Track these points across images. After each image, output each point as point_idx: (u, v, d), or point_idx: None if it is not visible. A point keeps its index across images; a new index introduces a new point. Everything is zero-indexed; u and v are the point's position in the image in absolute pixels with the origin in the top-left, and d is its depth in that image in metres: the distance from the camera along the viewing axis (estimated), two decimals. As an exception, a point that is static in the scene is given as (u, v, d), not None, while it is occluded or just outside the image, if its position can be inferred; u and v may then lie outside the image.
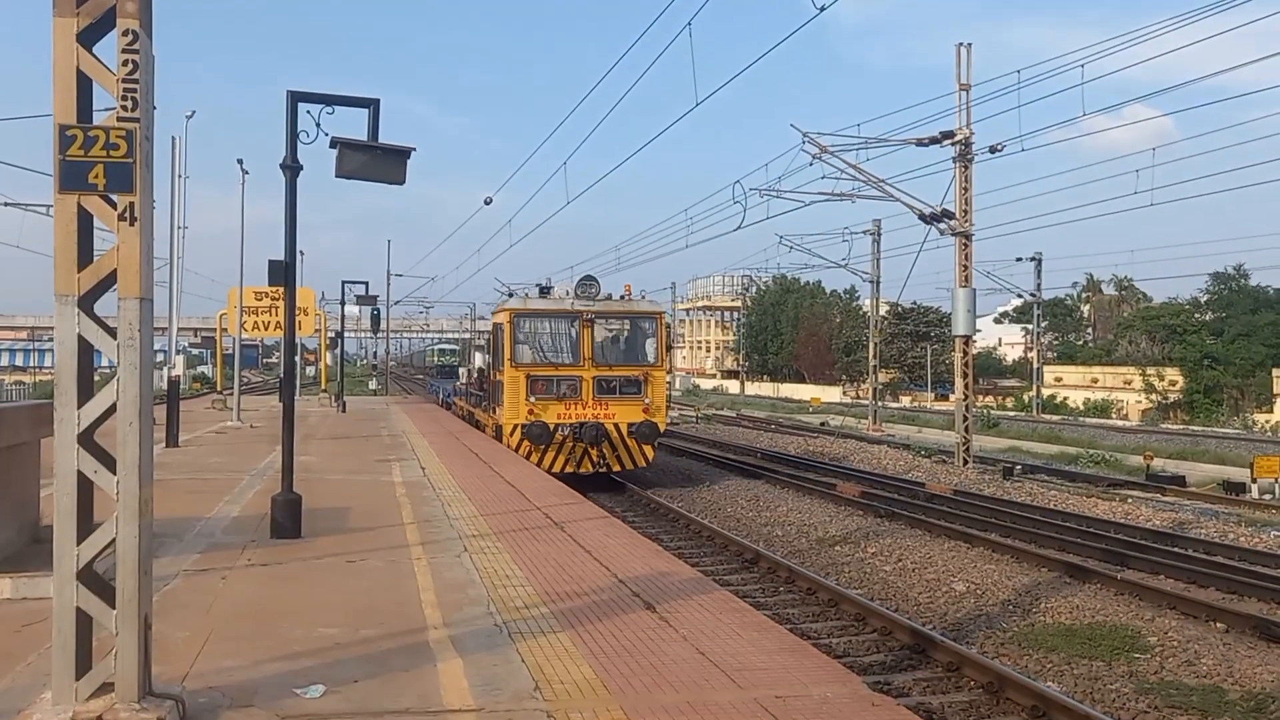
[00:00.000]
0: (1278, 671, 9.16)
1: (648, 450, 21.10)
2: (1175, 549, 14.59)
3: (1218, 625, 10.65)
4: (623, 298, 22.01)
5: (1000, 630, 10.76)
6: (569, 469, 20.18)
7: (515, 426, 20.46)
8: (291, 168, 11.01)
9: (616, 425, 20.56)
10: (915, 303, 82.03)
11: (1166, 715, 8.31)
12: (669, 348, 25.95)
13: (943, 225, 25.37)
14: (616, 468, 20.89)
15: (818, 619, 10.85)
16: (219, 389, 52.21)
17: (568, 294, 21.80)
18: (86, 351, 4.83)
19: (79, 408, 4.73)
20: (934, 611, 11.62)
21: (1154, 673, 9.30)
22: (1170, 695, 8.67)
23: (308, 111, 10.74)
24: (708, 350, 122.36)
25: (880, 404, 46.16)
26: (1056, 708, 7.72)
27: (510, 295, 22.50)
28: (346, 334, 55.81)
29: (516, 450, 20.53)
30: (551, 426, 20.24)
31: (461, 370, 33.20)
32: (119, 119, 4.84)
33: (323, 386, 57.28)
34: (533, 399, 20.44)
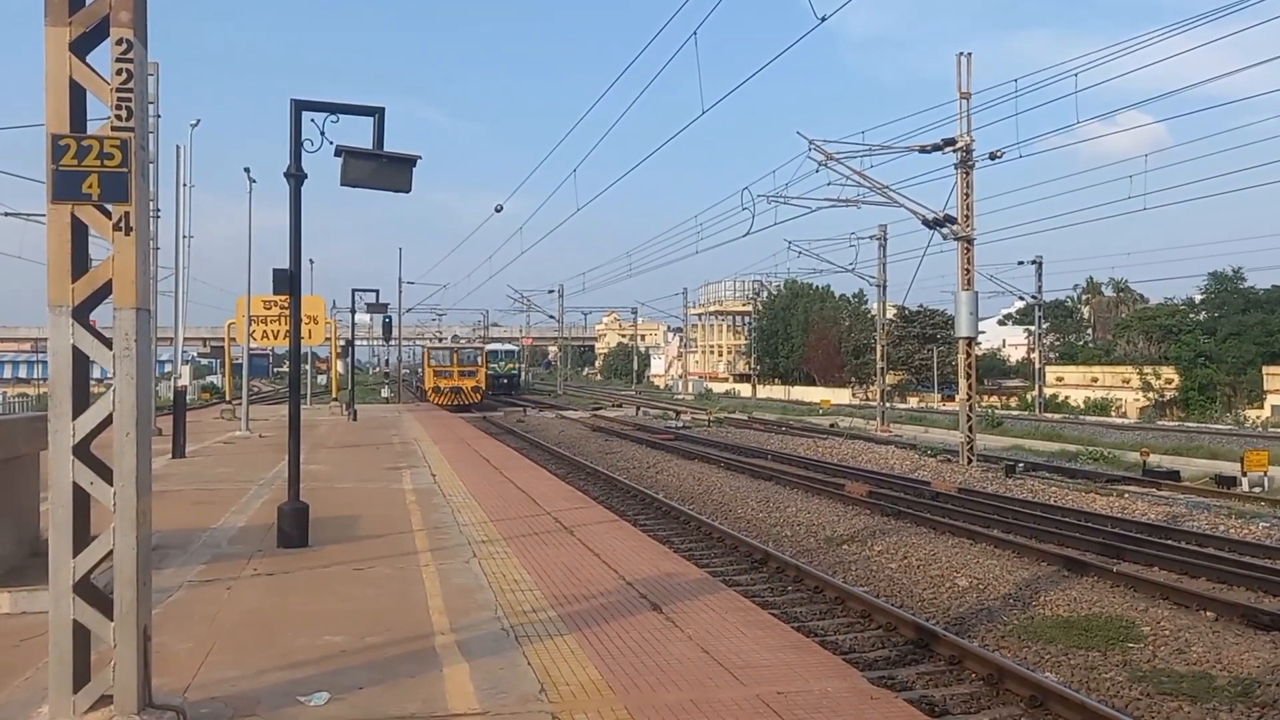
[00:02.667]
0: (1264, 658, 9.21)
1: (478, 396, 53.62)
2: (1169, 541, 14.75)
3: (1207, 614, 10.73)
4: (470, 341, 62.79)
5: (1001, 623, 10.83)
6: (448, 403, 51.14)
7: (431, 388, 53.44)
8: (296, 176, 10.99)
9: (464, 386, 52.78)
10: (922, 306, 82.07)
11: (1158, 702, 8.38)
12: (487, 361, 59.79)
13: (945, 230, 25.45)
14: (467, 401, 52.04)
15: (825, 616, 10.85)
16: (228, 399, 52.39)
17: (451, 339, 59.29)
18: (81, 362, 4.81)
19: (74, 419, 4.71)
20: (937, 607, 11.71)
21: (1147, 661, 9.40)
22: (1162, 683, 8.76)
23: (312, 120, 10.72)
24: (720, 354, 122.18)
25: (888, 405, 46.16)
26: (1053, 697, 7.79)
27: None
28: (358, 342, 55.96)
29: (431, 400, 53.82)
30: (443, 388, 52.48)
31: (420, 370, 66.39)
32: (113, 128, 4.80)
33: (333, 395, 57.45)
34: (435, 378, 53.24)
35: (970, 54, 25.29)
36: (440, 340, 59.88)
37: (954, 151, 25.32)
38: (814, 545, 15.38)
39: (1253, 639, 9.81)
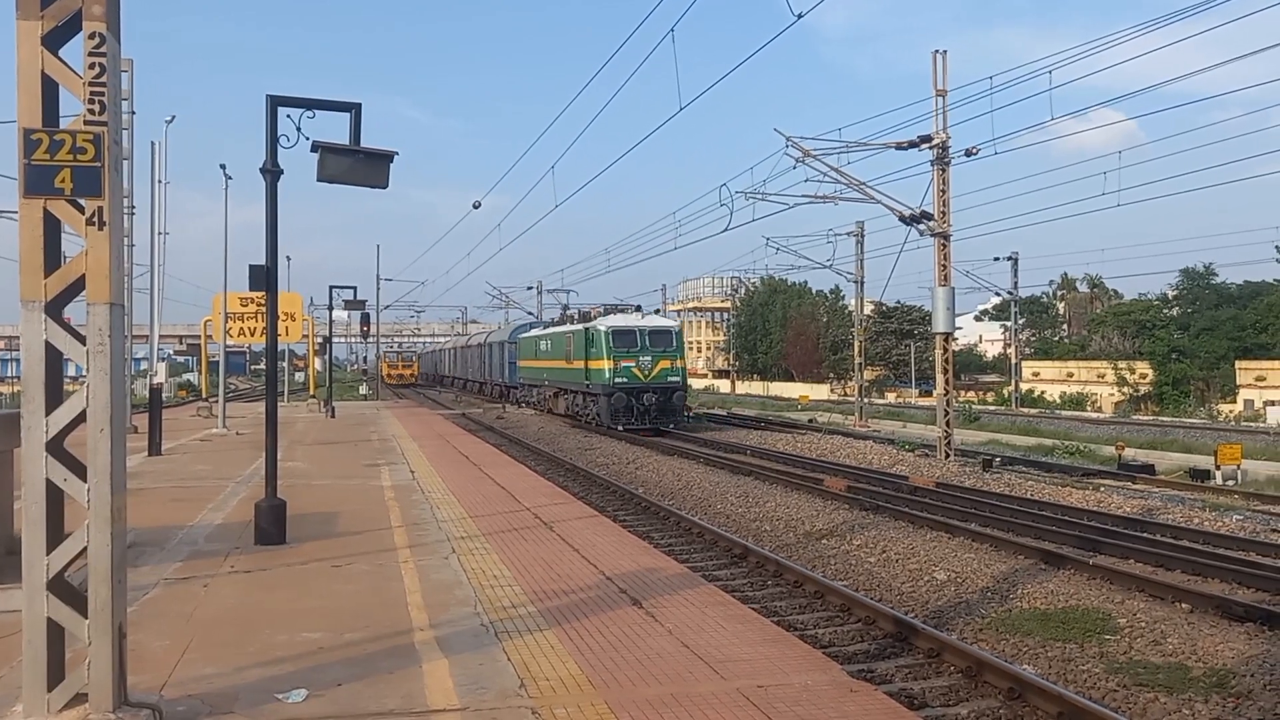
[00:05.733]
0: (1238, 649, 9.28)
1: (413, 379, 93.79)
2: (1144, 534, 14.87)
3: (1183, 606, 10.82)
4: (411, 347, 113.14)
5: (979, 616, 10.88)
6: (395, 383, 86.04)
7: (385, 374, 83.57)
8: (272, 172, 10.94)
9: (405, 373, 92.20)
10: (899, 302, 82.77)
11: (1134, 693, 8.42)
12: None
13: (922, 226, 25.60)
14: (406, 382, 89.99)
15: (804, 610, 10.87)
16: (205, 396, 52.01)
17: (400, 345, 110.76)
18: (54, 358, 4.76)
19: (47, 415, 4.66)
20: (916, 600, 11.75)
21: (1123, 653, 9.45)
22: (1138, 674, 8.82)
23: (288, 116, 10.66)
24: (699, 351, 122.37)
25: (866, 400, 46.44)
26: (1032, 689, 7.83)
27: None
28: (336, 339, 55.67)
29: (385, 380, 79.89)
30: (393, 374, 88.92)
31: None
32: (86, 122, 4.76)
33: (311, 392, 57.15)
34: (389, 369, 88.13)
35: (946, 51, 25.72)
36: (400, 343, 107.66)
37: (930, 148, 25.49)
38: (793, 540, 15.43)
39: (1228, 630, 9.88)
